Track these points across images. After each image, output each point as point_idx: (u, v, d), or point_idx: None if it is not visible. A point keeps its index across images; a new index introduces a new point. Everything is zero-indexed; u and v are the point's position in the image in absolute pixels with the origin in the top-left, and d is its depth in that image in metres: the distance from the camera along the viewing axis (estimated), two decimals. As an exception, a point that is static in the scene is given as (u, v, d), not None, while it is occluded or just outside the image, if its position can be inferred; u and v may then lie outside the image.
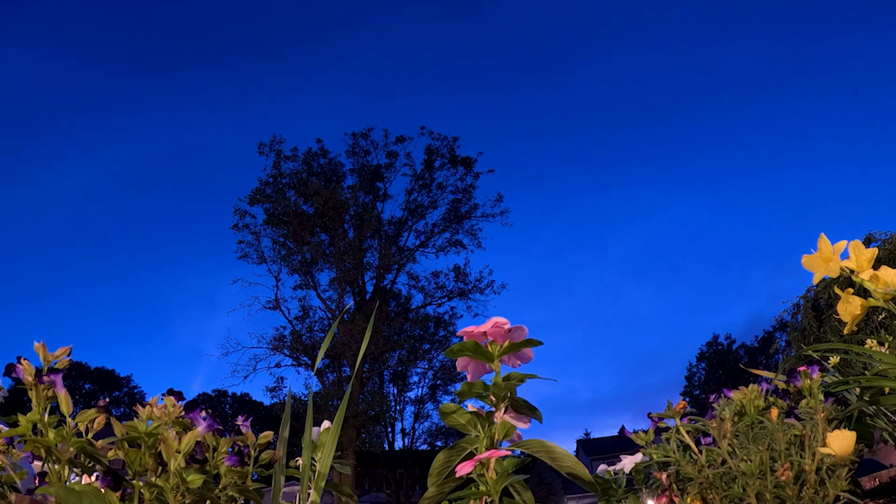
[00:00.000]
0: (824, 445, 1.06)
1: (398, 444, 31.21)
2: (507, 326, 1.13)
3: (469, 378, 1.19)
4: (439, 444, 30.48)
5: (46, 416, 1.05)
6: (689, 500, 1.19)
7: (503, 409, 1.16)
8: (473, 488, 1.10)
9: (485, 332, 1.14)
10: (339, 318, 2.05)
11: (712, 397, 1.36)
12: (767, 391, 1.33)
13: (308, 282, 22.57)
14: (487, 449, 1.14)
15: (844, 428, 1.08)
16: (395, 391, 29.82)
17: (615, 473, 1.56)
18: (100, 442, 1.09)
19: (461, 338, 1.16)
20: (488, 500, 1.09)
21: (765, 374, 1.47)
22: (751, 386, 1.29)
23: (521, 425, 1.19)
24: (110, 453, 1.11)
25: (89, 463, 1.07)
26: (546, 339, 1.14)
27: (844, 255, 1.12)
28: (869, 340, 1.58)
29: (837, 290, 1.15)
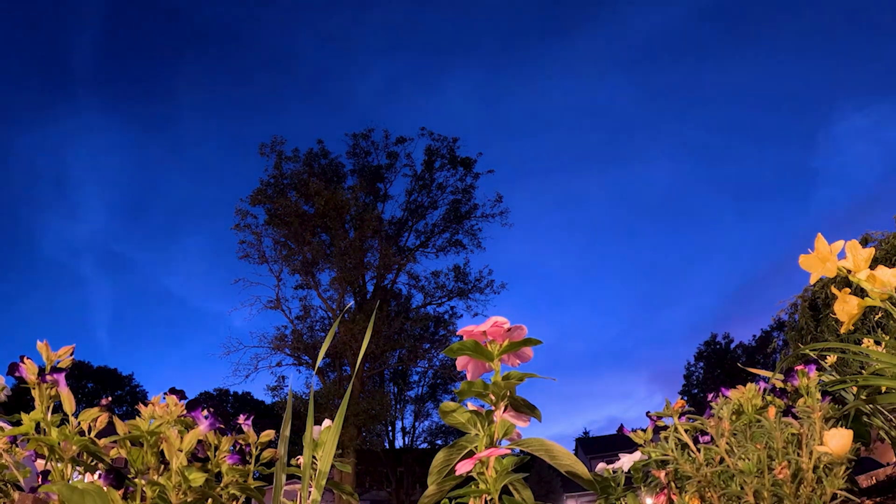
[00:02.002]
0: (821, 444, 1.06)
1: (399, 443, 31.28)
2: (506, 326, 1.14)
3: (469, 377, 1.20)
4: (439, 442, 30.50)
5: (49, 414, 1.06)
6: (687, 498, 1.20)
7: (503, 408, 1.17)
8: (473, 486, 1.11)
9: (484, 332, 1.15)
10: (340, 317, 2.06)
11: (710, 396, 1.37)
12: (765, 390, 1.33)
13: (309, 281, 22.58)
14: (487, 447, 1.15)
15: (841, 426, 1.09)
16: (396, 390, 29.87)
17: (614, 472, 1.56)
18: (102, 440, 1.10)
19: (461, 337, 1.17)
20: (488, 498, 1.10)
21: (762, 373, 1.48)
22: (748, 385, 1.30)
23: (521, 424, 1.20)
24: (113, 452, 1.11)
25: (92, 461, 1.08)
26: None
27: (842, 255, 1.13)
28: (866, 340, 1.58)
29: (834, 290, 1.16)
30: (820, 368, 1.56)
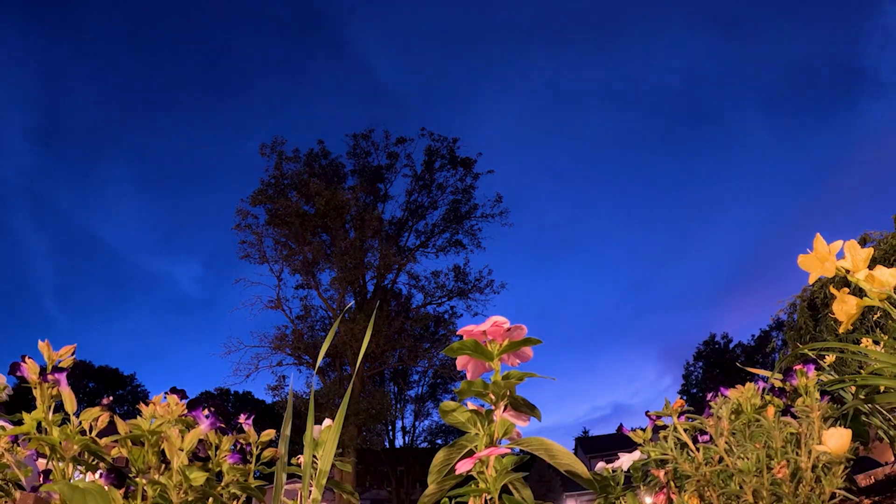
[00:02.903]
0: (820, 443, 1.07)
1: (399, 442, 31.34)
2: (506, 325, 1.14)
3: (469, 376, 1.20)
4: (439, 441, 30.57)
5: (51, 414, 1.07)
6: (686, 497, 1.20)
7: (502, 408, 1.17)
8: (473, 485, 1.11)
9: (484, 331, 1.15)
10: (341, 317, 2.06)
11: (709, 396, 1.37)
12: (764, 389, 1.34)
13: (309, 281, 22.59)
14: (487, 447, 1.15)
15: (840, 426, 1.09)
16: (396, 389, 29.90)
17: (613, 471, 1.57)
18: (103, 440, 1.10)
19: (461, 337, 1.17)
20: (488, 497, 1.11)
21: (761, 372, 1.48)
22: (747, 384, 1.31)
23: (521, 423, 1.20)
24: (114, 451, 1.12)
25: (93, 460, 1.08)
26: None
27: (840, 255, 1.13)
28: (864, 339, 1.59)
29: (833, 290, 1.16)
30: (819, 368, 1.57)
